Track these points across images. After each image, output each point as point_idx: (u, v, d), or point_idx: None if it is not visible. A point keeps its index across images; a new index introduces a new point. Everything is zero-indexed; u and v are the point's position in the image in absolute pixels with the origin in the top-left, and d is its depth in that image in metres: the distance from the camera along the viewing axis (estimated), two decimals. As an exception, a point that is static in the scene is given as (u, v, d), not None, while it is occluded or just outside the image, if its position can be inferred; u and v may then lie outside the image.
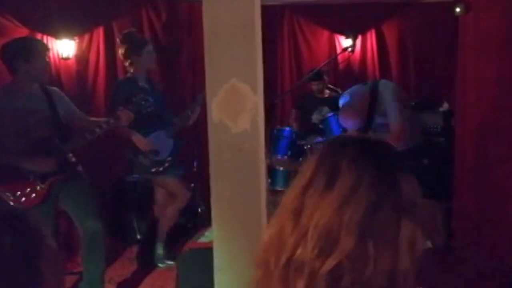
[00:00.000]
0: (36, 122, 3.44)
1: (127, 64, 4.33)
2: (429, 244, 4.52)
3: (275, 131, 5.62)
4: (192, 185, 5.19)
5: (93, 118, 3.86)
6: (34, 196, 3.39)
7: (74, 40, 5.31)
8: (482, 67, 4.17)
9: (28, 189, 3.38)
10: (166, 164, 4.35)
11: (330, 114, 5.48)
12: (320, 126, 5.64)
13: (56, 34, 5.13)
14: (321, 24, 6.74)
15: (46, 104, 3.52)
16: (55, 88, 3.81)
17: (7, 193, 3.36)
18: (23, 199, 3.36)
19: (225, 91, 2.43)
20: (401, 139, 3.98)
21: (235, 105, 2.45)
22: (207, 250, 3.12)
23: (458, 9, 4.34)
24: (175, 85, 5.89)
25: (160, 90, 4.58)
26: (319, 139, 5.57)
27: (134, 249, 4.96)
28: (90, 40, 5.48)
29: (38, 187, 3.40)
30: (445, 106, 5.64)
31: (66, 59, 5.25)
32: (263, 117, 2.56)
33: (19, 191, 3.37)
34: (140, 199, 5.19)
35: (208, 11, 2.43)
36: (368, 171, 1.02)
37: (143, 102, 3.88)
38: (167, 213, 4.56)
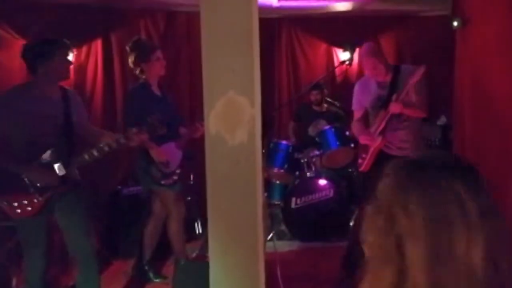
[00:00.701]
0: (48, 129, 3.29)
1: (137, 72, 4.24)
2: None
3: (271, 144, 5.62)
4: (189, 198, 5.16)
5: (101, 131, 3.74)
6: (30, 209, 3.28)
7: (72, 51, 5.30)
8: (479, 80, 4.17)
9: (25, 201, 3.26)
10: (175, 177, 4.24)
11: (326, 127, 5.48)
12: (317, 139, 5.64)
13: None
14: (319, 36, 6.76)
15: (62, 109, 3.38)
16: (72, 91, 3.65)
17: (4, 202, 3.26)
18: (18, 210, 3.26)
19: (222, 103, 2.42)
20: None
21: (233, 118, 2.44)
22: (203, 263, 3.09)
23: (455, 23, 4.36)
24: (172, 97, 5.88)
25: (170, 98, 4.47)
26: (316, 152, 5.57)
27: (130, 262, 4.92)
28: (88, 51, 5.48)
29: (35, 200, 3.27)
30: (443, 119, 5.66)
31: (70, 63, 5.23)
32: (260, 130, 2.54)
33: (16, 201, 3.25)
34: (137, 212, 5.16)
35: (206, 23, 2.42)
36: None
37: (158, 124, 3.69)
38: (172, 231, 4.46)
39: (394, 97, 4.05)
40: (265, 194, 4.80)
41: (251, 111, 2.44)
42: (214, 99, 2.41)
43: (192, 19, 5.72)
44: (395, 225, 1.03)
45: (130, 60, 4.22)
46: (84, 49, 5.45)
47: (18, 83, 4.87)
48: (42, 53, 3.29)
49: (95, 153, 3.37)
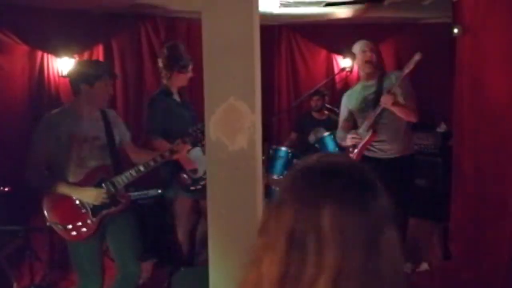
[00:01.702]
0: (93, 150, 3.28)
1: (163, 75, 4.22)
2: (425, 265, 4.50)
3: (271, 150, 5.62)
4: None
5: (144, 149, 3.74)
6: (85, 230, 3.23)
7: (74, 57, 5.32)
8: (480, 88, 4.19)
9: (79, 223, 3.22)
10: (202, 182, 4.08)
11: (326, 134, 5.49)
12: (316, 145, 5.65)
13: (56, 52, 5.14)
14: (319, 43, 6.79)
15: (104, 130, 3.36)
16: (112, 111, 3.64)
17: (59, 226, 3.22)
18: (74, 233, 3.22)
19: (223, 110, 2.43)
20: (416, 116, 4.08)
21: (233, 124, 2.46)
22: (202, 269, 3.09)
23: (455, 30, 4.37)
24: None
25: (190, 104, 4.44)
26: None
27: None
28: (90, 57, 5.50)
29: (89, 221, 3.23)
30: (443, 127, 5.67)
31: (66, 76, 5.25)
32: (260, 136, 2.56)
33: (70, 223, 3.21)
34: (145, 221, 5.15)
35: (206, 30, 2.44)
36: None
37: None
38: (197, 237, 4.44)
39: (385, 90, 4.02)
40: (265, 200, 4.80)
41: (252, 117, 2.46)
42: (214, 105, 2.43)
43: (193, 26, 5.75)
44: (267, 232, 0.99)
45: (161, 61, 4.18)
46: (86, 55, 5.47)
47: (19, 87, 4.92)
48: (85, 77, 3.27)
49: (142, 168, 3.39)
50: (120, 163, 3.43)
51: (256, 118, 2.48)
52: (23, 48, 4.89)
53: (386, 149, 4.13)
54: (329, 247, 0.92)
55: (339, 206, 0.94)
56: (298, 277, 0.93)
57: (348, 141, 4.25)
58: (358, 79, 6.72)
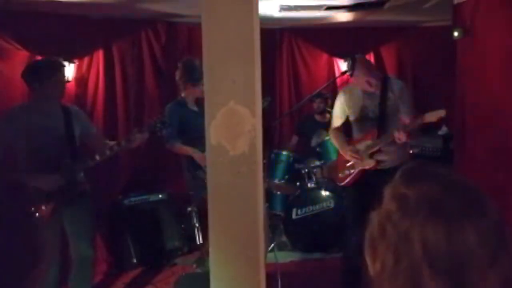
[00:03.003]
0: (50, 140, 3.50)
1: (180, 86, 4.56)
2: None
3: (272, 154, 5.61)
4: (189, 208, 5.15)
5: (109, 142, 3.86)
6: (38, 216, 3.37)
7: (74, 63, 5.33)
8: (480, 90, 4.18)
9: (32, 209, 3.38)
10: None
11: (327, 138, 5.47)
12: (318, 149, 5.64)
13: (55, 57, 5.13)
14: (320, 47, 6.78)
15: (63, 122, 3.60)
16: (75, 108, 3.90)
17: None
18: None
19: (223, 114, 2.42)
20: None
21: (234, 128, 2.44)
22: (203, 274, 3.08)
23: (456, 33, 4.36)
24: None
25: None
26: (317, 163, 5.56)
27: (130, 274, 4.90)
28: (90, 63, 5.49)
29: (43, 207, 3.41)
30: (444, 129, 5.66)
31: (66, 82, 5.24)
32: (261, 140, 2.54)
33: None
34: (137, 223, 5.15)
35: (207, 34, 2.43)
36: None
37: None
38: None
39: (401, 127, 3.92)
40: (266, 204, 4.78)
41: (252, 121, 2.44)
42: (215, 109, 2.42)
43: (193, 30, 5.74)
44: (412, 251, 0.95)
45: (178, 74, 4.53)
46: (86, 60, 5.47)
47: (19, 92, 4.91)
48: (38, 75, 3.56)
49: (97, 157, 3.57)
50: (77, 152, 3.63)
51: (257, 122, 2.47)
52: (23, 54, 4.88)
53: (383, 159, 4.08)
54: (487, 265, 0.92)
55: (480, 223, 0.96)
56: None
57: (348, 155, 4.17)
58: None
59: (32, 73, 3.60)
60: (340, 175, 4.29)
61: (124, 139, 3.69)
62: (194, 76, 4.43)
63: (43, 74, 3.55)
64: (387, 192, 1.04)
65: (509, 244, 0.95)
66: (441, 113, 3.80)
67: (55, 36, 4.94)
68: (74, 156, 3.59)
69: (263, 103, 4.52)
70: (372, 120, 4.10)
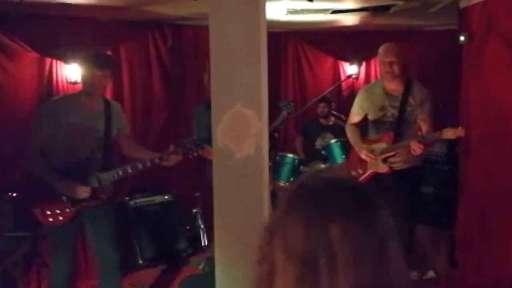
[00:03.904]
0: (87, 141, 3.43)
1: (208, 87, 4.44)
2: (432, 273, 4.49)
3: (278, 157, 5.62)
4: (195, 210, 5.17)
5: (141, 148, 3.81)
6: (61, 219, 3.39)
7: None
8: (486, 95, 4.18)
9: (58, 210, 3.38)
10: None
11: (333, 141, 5.48)
12: (323, 152, 5.65)
13: (64, 58, 5.18)
14: (326, 50, 6.80)
15: (103, 122, 3.51)
16: (117, 104, 3.80)
17: (38, 209, 3.39)
18: (50, 219, 3.38)
19: (230, 116, 2.45)
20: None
21: (240, 130, 2.47)
22: (208, 276, 3.10)
23: (462, 38, 4.37)
24: (179, 109, 5.93)
25: None
26: (322, 166, 5.57)
27: (135, 274, 4.92)
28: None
29: (67, 210, 3.39)
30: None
31: (74, 83, 5.28)
32: (267, 143, 2.57)
33: (48, 209, 3.38)
34: (143, 225, 5.17)
35: (214, 37, 2.46)
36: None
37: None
38: None
39: (419, 137, 3.91)
40: (271, 207, 4.80)
41: (258, 124, 2.47)
42: (222, 112, 2.45)
43: (200, 33, 5.77)
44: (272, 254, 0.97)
45: (206, 77, 4.29)
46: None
47: (28, 94, 4.95)
48: (81, 67, 3.56)
49: (129, 170, 3.48)
50: (111, 157, 3.56)
51: (263, 125, 2.50)
52: (32, 55, 4.92)
53: (395, 161, 4.09)
54: (342, 266, 0.91)
55: (347, 223, 0.93)
56: None
57: (363, 153, 4.17)
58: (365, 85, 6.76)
59: (81, 64, 3.59)
60: (352, 172, 4.27)
61: (158, 157, 3.52)
62: None
63: (84, 67, 3.51)
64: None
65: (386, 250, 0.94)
66: (459, 132, 3.77)
67: (64, 38, 4.98)
68: (107, 162, 3.50)
69: (287, 107, 4.59)
70: (390, 123, 4.09)
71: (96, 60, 3.52)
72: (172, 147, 3.53)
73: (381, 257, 0.93)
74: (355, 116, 4.33)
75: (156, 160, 3.50)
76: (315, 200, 0.97)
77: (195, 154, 3.59)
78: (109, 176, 3.45)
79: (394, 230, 0.97)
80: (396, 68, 4.04)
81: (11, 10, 4.45)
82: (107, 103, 3.59)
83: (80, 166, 3.39)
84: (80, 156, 3.40)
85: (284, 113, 4.82)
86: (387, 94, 4.12)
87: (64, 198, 3.36)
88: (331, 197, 0.96)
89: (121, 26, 5.51)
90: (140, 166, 3.48)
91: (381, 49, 4.20)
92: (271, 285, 0.97)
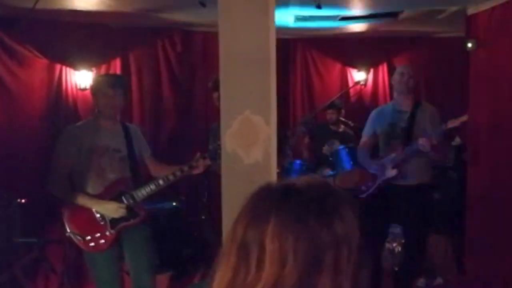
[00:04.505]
0: (113, 162, 3.37)
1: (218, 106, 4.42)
2: (440, 280, 4.47)
3: (285, 164, 5.61)
4: (203, 217, 5.17)
5: (164, 165, 3.73)
6: (103, 242, 3.29)
7: (92, 71, 5.38)
8: (494, 101, 4.18)
9: (98, 234, 3.28)
10: None
11: (340, 147, 5.47)
12: (331, 158, 5.63)
13: (74, 65, 5.22)
14: (334, 57, 6.81)
15: (125, 142, 3.46)
16: (134, 126, 3.79)
17: (78, 237, 3.28)
18: (92, 244, 3.28)
19: (239, 122, 2.46)
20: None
21: (248, 137, 2.48)
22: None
23: (469, 45, 4.37)
24: (189, 116, 5.95)
25: None
26: (330, 172, 5.56)
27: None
28: (107, 71, 5.55)
29: (108, 233, 3.29)
30: (457, 140, 5.64)
31: (84, 89, 5.32)
32: (275, 149, 2.57)
33: (89, 235, 3.27)
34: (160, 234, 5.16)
35: (224, 44, 2.47)
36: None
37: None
38: None
39: (422, 130, 3.93)
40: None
41: (267, 130, 2.48)
42: (231, 118, 2.46)
43: (208, 39, 5.79)
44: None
45: (215, 96, 4.25)
46: (103, 68, 5.54)
47: (38, 100, 4.99)
48: (92, 90, 3.48)
49: (161, 182, 3.42)
50: (139, 175, 3.49)
51: (271, 131, 2.50)
52: (42, 61, 4.97)
53: (408, 175, 4.03)
54: (269, 261, 0.97)
55: (282, 222, 0.99)
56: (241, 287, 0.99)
57: (372, 170, 4.20)
58: (373, 92, 6.77)
59: (92, 86, 3.54)
60: (363, 188, 4.30)
61: (187, 164, 3.47)
62: None
63: (93, 90, 3.43)
64: None
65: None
66: (463, 118, 3.81)
67: (74, 44, 5.02)
68: (137, 180, 3.44)
69: (305, 123, 4.51)
70: (400, 137, 4.10)
71: (107, 80, 3.52)
72: (198, 154, 3.49)
73: (315, 263, 0.97)
74: (365, 137, 4.37)
75: (186, 168, 3.45)
76: (264, 199, 1.05)
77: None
78: (142, 192, 3.38)
79: (349, 243, 1.01)
80: (411, 82, 4.10)
81: (22, 17, 4.50)
82: (124, 126, 3.56)
83: (112, 187, 3.34)
84: (109, 177, 3.34)
85: (304, 129, 4.74)
86: (397, 110, 4.16)
87: (102, 221, 3.29)
88: (277, 197, 1.04)
89: (130, 32, 5.55)
90: (171, 177, 3.42)
91: (400, 66, 4.36)
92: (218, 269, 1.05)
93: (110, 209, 3.29)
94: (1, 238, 4.19)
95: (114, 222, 3.31)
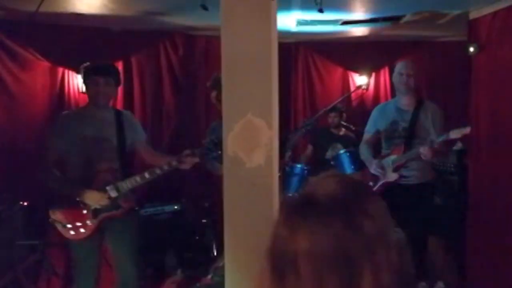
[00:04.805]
0: (102, 152, 3.41)
1: (219, 107, 4.39)
2: (441, 285, 4.46)
3: (287, 167, 5.61)
4: (204, 220, 5.17)
5: (160, 154, 3.78)
6: (83, 231, 3.33)
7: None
8: (495, 106, 4.18)
9: (79, 223, 3.32)
10: None
11: (342, 151, 5.47)
12: (332, 162, 5.63)
13: (76, 68, 5.23)
14: (335, 61, 6.82)
15: (115, 131, 3.50)
16: (128, 112, 3.81)
17: (59, 223, 3.34)
18: (72, 232, 3.33)
19: (241, 126, 2.46)
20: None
21: (250, 140, 2.48)
22: (217, 286, 3.10)
23: (471, 49, 4.38)
24: (190, 119, 5.96)
25: None
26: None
27: (144, 285, 4.91)
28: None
29: (88, 222, 3.33)
30: (458, 145, 5.63)
31: (85, 92, 5.33)
32: (277, 153, 2.57)
33: (70, 223, 3.32)
34: (152, 234, 5.17)
35: (226, 47, 2.48)
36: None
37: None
38: None
39: (428, 143, 3.93)
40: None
41: (269, 133, 2.48)
42: (233, 121, 2.46)
43: (211, 43, 5.80)
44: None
45: (212, 95, 4.28)
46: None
47: (40, 103, 5.01)
48: (87, 79, 3.53)
49: (147, 175, 3.43)
50: (128, 166, 3.54)
51: (273, 135, 2.50)
52: (45, 65, 4.99)
53: (408, 174, 4.10)
54: (305, 272, 0.95)
55: (312, 233, 0.96)
56: None
57: (372, 169, 4.23)
58: (374, 96, 6.76)
59: (84, 75, 3.60)
60: None
61: (176, 159, 3.49)
62: None
63: (93, 78, 3.48)
64: None
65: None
66: (466, 130, 3.83)
67: (76, 47, 5.04)
68: (125, 171, 3.47)
69: (307, 126, 4.54)
70: (401, 137, 4.12)
71: (97, 68, 3.54)
72: (188, 150, 3.51)
73: (353, 269, 0.94)
74: (367, 135, 4.42)
75: (174, 163, 3.45)
76: (291, 211, 1.03)
77: (215, 154, 3.53)
78: (127, 184, 3.41)
79: (384, 244, 0.98)
80: (411, 81, 4.11)
81: (24, 20, 4.51)
82: (118, 113, 3.60)
83: (98, 177, 3.37)
84: (97, 166, 3.38)
85: (303, 130, 4.74)
86: (399, 109, 4.19)
87: (84, 210, 3.33)
88: (304, 207, 1.01)
89: (132, 36, 5.56)
90: (158, 171, 3.43)
91: (399, 63, 4.34)
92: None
93: (92, 198, 3.32)
94: (3, 240, 4.19)
95: (96, 212, 3.35)
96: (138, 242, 3.63)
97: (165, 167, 3.44)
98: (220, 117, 4.45)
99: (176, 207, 5.41)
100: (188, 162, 3.49)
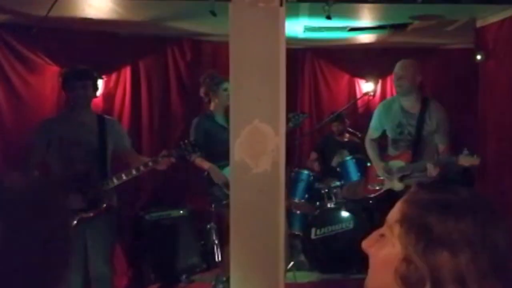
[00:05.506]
0: (82, 155, 3.52)
1: (206, 101, 4.52)
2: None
3: (292, 173, 5.62)
4: (209, 225, 5.18)
5: (142, 158, 3.86)
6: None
7: (102, 78, 5.41)
8: (503, 113, 4.17)
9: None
10: None
11: (348, 158, 5.47)
12: (338, 169, 5.63)
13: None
14: (342, 68, 6.83)
15: (97, 136, 3.60)
16: (112, 119, 3.93)
17: None
18: None
19: (248, 132, 2.47)
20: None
21: (257, 146, 2.49)
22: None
23: (478, 56, 4.38)
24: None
25: None
26: (337, 182, 5.55)
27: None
28: (118, 78, 5.59)
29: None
30: (465, 152, 5.62)
31: (94, 93, 5.34)
32: (284, 159, 2.58)
33: None
34: (157, 239, 5.17)
35: (234, 53, 2.50)
36: None
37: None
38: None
39: (434, 163, 3.92)
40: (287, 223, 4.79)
41: (276, 139, 2.49)
42: (240, 127, 2.47)
43: (218, 48, 5.82)
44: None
45: (201, 91, 4.46)
46: (114, 76, 5.58)
47: (48, 107, 5.03)
48: (68, 82, 3.65)
49: (123, 176, 3.55)
50: (106, 169, 3.63)
51: (280, 141, 2.52)
52: (53, 69, 5.01)
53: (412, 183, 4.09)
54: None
55: (473, 250, 0.97)
56: None
57: (379, 171, 4.23)
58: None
59: (63, 80, 3.69)
60: (370, 187, 4.32)
61: (151, 160, 3.62)
62: (213, 83, 4.40)
63: (63, 83, 3.64)
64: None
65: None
66: (475, 161, 3.79)
67: (85, 52, 5.06)
68: (104, 173, 3.58)
69: (294, 119, 4.55)
70: (408, 141, 4.11)
71: (74, 72, 3.66)
72: (164, 151, 3.64)
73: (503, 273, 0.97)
74: (374, 132, 4.37)
75: (150, 164, 3.58)
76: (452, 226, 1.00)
77: (192, 155, 3.73)
78: (104, 184, 3.53)
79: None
80: (403, 83, 4.06)
81: (34, 25, 4.55)
82: (100, 119, 3.71)
83: (76, 179, 3.46)
84: (75, 169, 3.49)
85: (290, 124, 4.66)
86: (404, 111, 4.14)
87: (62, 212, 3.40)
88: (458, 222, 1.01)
89: (140, 41, 5.59)
90: (134, 171, 3.56)
91: (396, 65, 4.26)
92: None
93: (70, 201, 3.37)
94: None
95: (73, 212, 3.41)
96: (112, 241, 3.76)
97: (142, 168, 3.58)
98: (203, 112, 4.50)
99: (181, 212, 5.42)
100: (164, 162, 3.61)
